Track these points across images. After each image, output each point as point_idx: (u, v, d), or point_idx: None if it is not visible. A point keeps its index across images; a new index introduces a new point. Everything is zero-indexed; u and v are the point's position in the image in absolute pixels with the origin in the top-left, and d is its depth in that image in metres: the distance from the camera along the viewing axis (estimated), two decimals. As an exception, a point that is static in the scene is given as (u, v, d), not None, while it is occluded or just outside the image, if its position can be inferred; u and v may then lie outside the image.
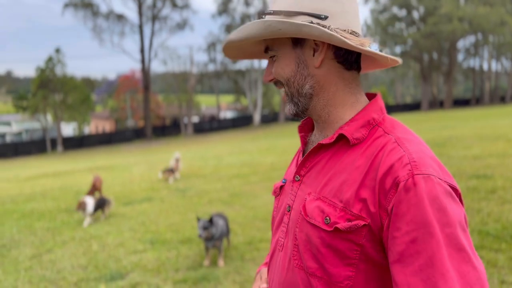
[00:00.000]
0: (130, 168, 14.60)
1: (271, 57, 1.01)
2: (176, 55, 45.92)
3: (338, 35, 0.87)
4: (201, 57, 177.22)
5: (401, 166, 0.83)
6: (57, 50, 38.49)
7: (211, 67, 46.73)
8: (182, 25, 42.43)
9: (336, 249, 0.87)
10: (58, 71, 38.42)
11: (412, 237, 0.78)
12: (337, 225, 0.86)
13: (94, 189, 8.16)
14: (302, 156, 1.04)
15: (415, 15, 48.93)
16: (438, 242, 0.76)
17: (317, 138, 1.03)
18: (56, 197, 9.38)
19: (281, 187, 1.10)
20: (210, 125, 45.74)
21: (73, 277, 4.26)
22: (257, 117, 43.93)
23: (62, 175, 14.63)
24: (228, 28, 44.69)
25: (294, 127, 36.17)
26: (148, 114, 39.74)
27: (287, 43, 0.96)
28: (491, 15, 39.92)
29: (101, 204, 6.78)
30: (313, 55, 0.94)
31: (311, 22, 0.90)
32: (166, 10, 48.76)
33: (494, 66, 54.07)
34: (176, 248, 4.93)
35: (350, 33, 0.92)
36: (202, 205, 7.23)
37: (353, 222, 0.85)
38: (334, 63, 0.95)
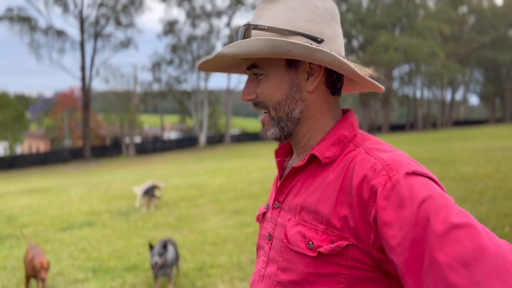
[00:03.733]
0: (67, 191, 13.78)
1: (254, 74, 0.94)
2: (119, 74, 44.64)
3: (350, 64, 0.85)
4: (146, 76, 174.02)
5: (374, 173, 0.79)
6: (-11, 64, 36.20)
7: (155, 87, 45.92)
8: (126, 44, 41.45)
9: (324, 276, 0.82)
10: (-11, 86, 36.04)
11: (410, 240, 0.71)
12: (320, 249, 0.81)
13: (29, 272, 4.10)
14: (279, 182, 0.99)
15: (355, 43, 51.52)
16: (435, 232, 0.69)
17: (294, 162, 0.99)
18: (-16, 222, 8.58)
19: (264, 213, 1.05)
20: (154, 146, 44.59)
21: (3, 312, 3.85)
22: (202, 138, 43.56)
23: (-10, 198, 13.49)
24: (174, 49, 44.39)
25: (240, 148, 36.23)
26: (87, 134, 38.02)
27: (280, 64, 0.90)
28: (423, 46, 42.91)
29: None
30: (307, 79, 0.91)
31: (311, 44, 0.85)
32: (110, 28, 47.57)
33: (426, 94, 57.61)
34: (121, 276, 4.63)
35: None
36: (148, 230, 6.91)
37: (336, 244, 0.80)
38: (323, 88, 0.93)
